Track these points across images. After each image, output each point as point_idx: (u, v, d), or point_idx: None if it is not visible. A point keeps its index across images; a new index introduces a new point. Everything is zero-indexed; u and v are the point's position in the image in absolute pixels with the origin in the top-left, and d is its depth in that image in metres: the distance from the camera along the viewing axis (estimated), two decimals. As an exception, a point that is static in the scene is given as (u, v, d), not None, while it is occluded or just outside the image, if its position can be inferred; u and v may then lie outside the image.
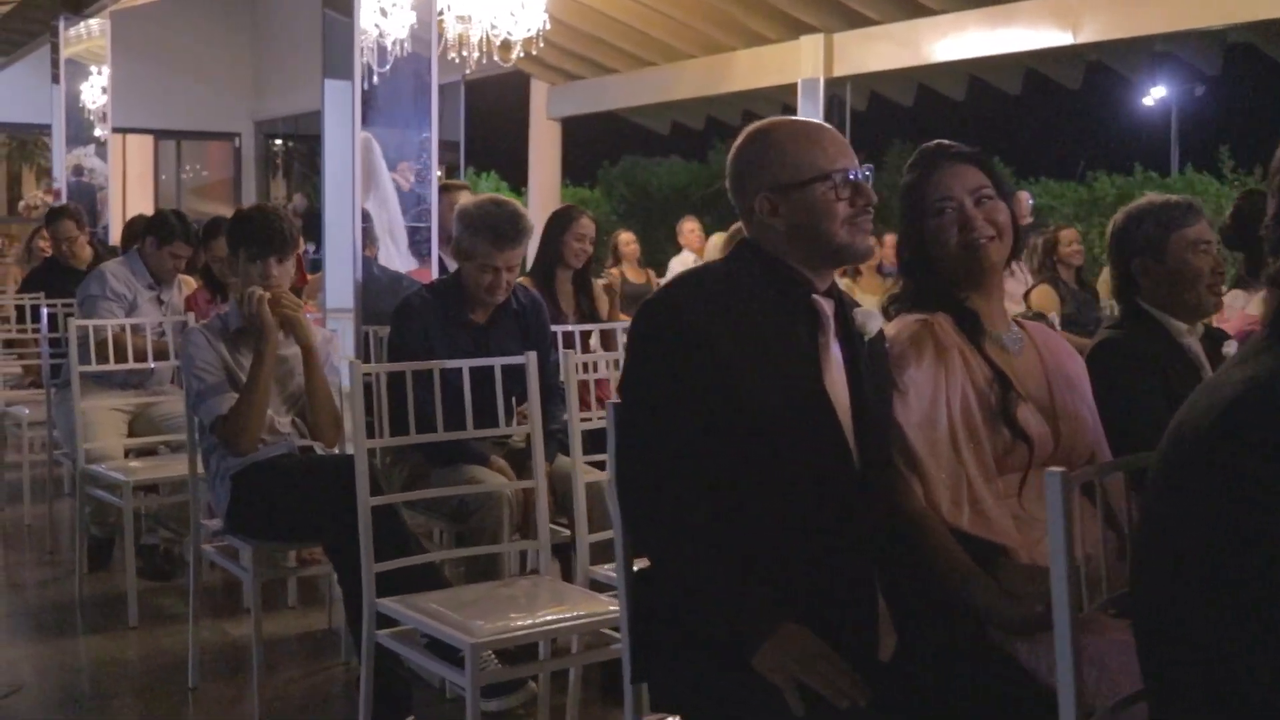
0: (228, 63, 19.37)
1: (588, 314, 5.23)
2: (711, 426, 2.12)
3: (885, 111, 12.30)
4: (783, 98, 12.95)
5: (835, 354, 2.25)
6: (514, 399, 3.64)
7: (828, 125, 2.32)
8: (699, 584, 2.08)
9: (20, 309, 7.01)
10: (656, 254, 12.30)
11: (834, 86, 10.62)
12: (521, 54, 9.85)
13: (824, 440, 2.17)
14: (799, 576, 2.10)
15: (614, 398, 2.20)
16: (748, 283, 2.24)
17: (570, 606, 2.90)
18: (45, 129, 19.48)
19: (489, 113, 15.92)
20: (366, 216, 4.86)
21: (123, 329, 5.04)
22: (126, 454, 5.07)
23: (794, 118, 2.35)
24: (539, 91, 13.60)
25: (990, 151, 2.71)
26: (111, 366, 4.96)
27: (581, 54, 12.52)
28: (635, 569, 2.22)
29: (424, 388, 3.43)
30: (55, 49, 10.15)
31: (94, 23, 10.71)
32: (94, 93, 12.40)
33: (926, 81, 11.54)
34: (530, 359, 3.33)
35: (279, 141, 20.47)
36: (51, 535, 5.74)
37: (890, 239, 10.43)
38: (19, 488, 6.52)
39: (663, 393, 2.13)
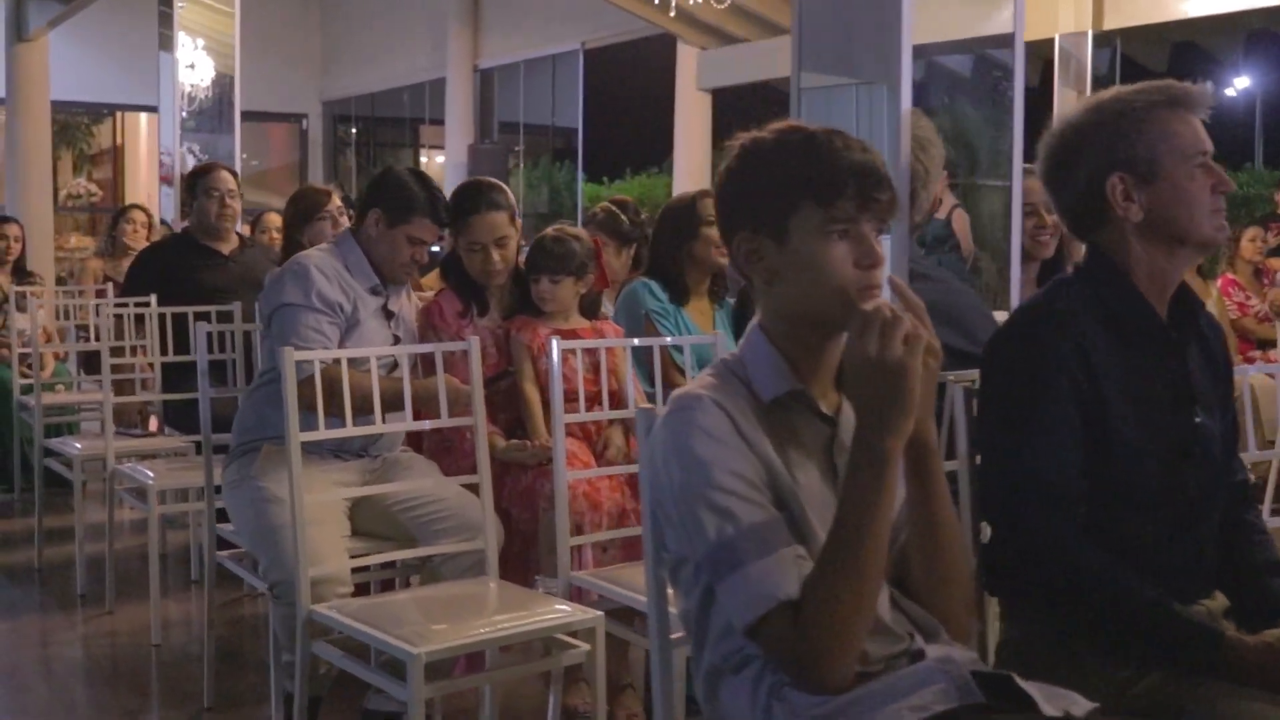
0: (293, 37, 17.38)
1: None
2: None
3: (1134, 78, 10.18)
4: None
5: None
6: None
7: None
8: None
9: (120, 319, 4.96)
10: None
11: (1098, 43, 8.55)
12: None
13: None
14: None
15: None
16: None
17: None
18: (82, 107, 17.68)
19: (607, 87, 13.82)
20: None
21: (355, 365, 2.98)
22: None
23: None
24: (687, 58, 11.55)
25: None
26: (350, 431, 2.91)
27: (744, 7, 10.48)
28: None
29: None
30: (167, 2, 8.13)
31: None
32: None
33: (1192, 38, 9.46)
34: None
35: (349, 124, 18.45)
36: (209, 673, 3.67)
37: None
38: (134, 566, 4.56)
39: None
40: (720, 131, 11.72)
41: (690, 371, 3.70)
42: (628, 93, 13.55)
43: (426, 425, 3.01)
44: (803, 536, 1.64)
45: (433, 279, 4.47)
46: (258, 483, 3.15)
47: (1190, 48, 9.58)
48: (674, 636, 1.93)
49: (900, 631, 1.68)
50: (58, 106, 11.60)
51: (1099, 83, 8.47)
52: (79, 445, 4.81)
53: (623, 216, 4.99)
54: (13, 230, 6.73)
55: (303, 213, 4.57)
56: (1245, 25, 9.04)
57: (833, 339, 1.73)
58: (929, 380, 1.62)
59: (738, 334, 4.12)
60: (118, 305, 4.99)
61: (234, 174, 5.21)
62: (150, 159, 19.72)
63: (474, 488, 3.03)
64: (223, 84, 9.09)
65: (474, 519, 3.11)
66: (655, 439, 1.69)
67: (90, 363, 6.81)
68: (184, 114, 8.81)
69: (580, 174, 13.55)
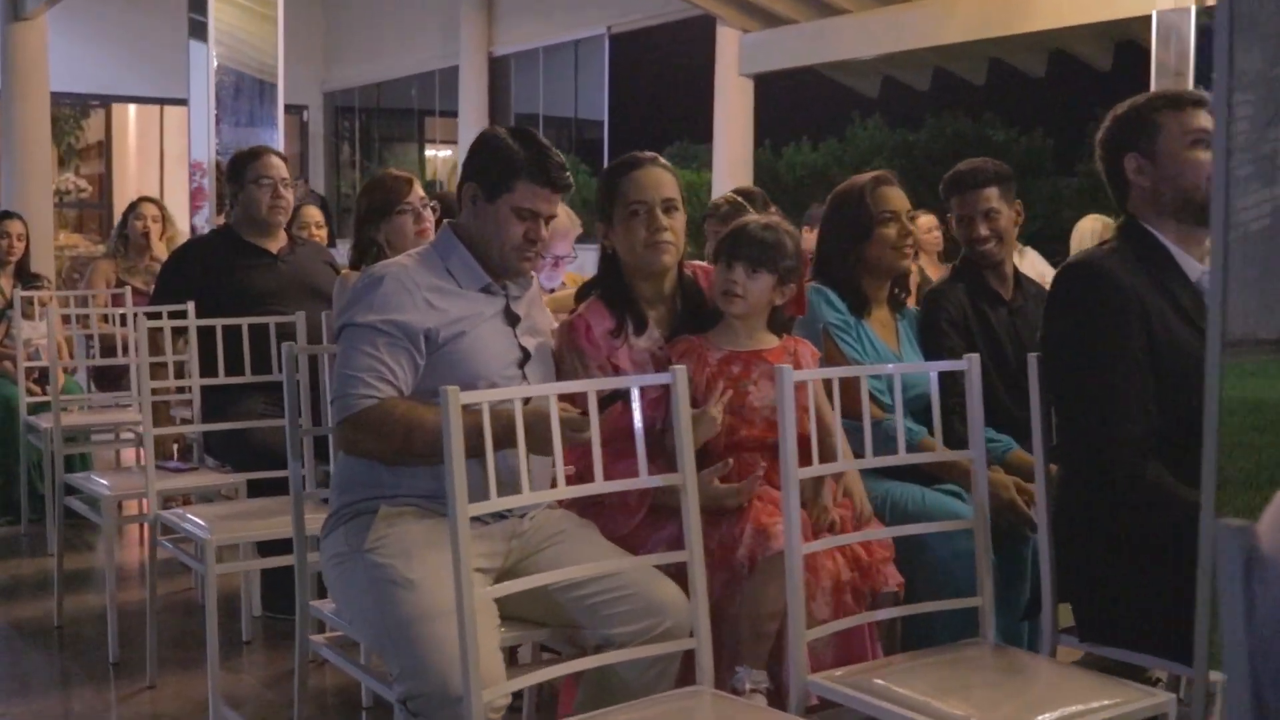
0: (293, 24, 16.52)
1: None
2: None
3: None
4: (1055, 43, 10.23)
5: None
6: None
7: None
8: None
9: (157, 335, 4.19)
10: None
11: (1200, 19, 7.83)
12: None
13: None
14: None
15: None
16: None
17: None
18: (81, 98, 16.80)
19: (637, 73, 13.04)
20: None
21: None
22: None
23: None
24: (728, 41, 10.79)
25: None
26: (538, 497, 2.17)
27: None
28: None
29: None
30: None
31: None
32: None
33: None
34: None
35: (352, 116, 17.62)
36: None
37: None
38: (172, 622, 3.85)
39: None
40: (763, 121, 10.99)
41: (884, 399, 2.98)
42: (659, 81, 12.79)
43: (618, 486, 2.26)
44: None
45: None
46: (374, 558, 2.40)
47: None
48: None
49: None
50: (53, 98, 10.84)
51: (1204, 66, 7.77)
52: (106, 482, 4.05)
53: (750, 209, 4.27)
54: (15, 227, 5.95)
55: (378, 206, 3.82)
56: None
57: None
58: None
59: (926, 350, 3.40)
60: (149, 314, 4.21)
61: (285, 159, 4.47)
62: (142, 153, 18.90)
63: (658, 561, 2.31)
64: (225, 75, 8.42)
65: (660, 599, 2.39)
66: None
67: (103, 377, 6.06)
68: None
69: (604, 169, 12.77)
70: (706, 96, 11.06)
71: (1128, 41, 9.22)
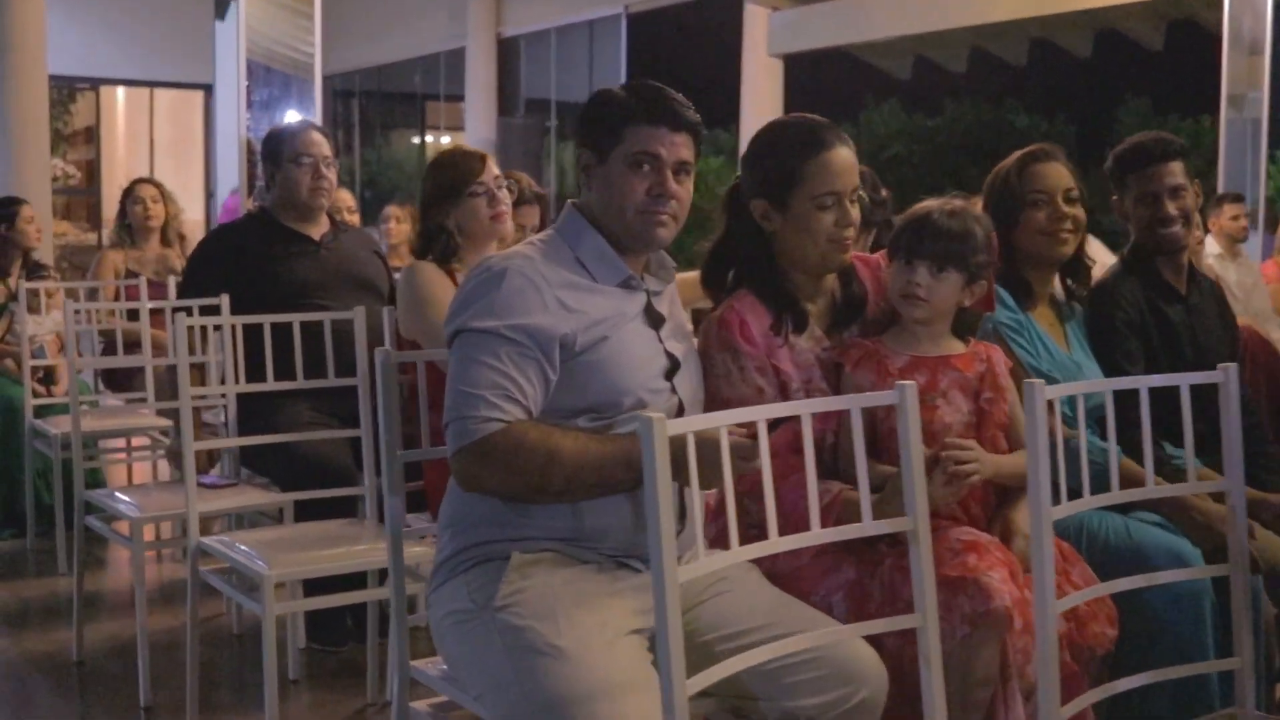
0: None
1: None
2: None
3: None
4: (1104, 22, 9.79)
5: None
6: None
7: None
8: None
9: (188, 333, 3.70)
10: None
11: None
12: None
13: None
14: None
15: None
16: None
17: None
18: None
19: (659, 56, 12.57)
20: None
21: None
22: None
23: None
24: (756, 20, 10.35)
25: None
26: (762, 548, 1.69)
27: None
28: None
29: None
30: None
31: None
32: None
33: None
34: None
35: (352, 100, 17.11)
36: None
37: None
38: (206, 655, 3.37)
39: None
40: (793, 104, 10.52)
41: (1065, 411, 2.53)
42: (680, 63, 12.31)
43: (837, 535, 1.79)
44: None
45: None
46: (509, 619, 1.93)
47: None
48: None
49: None
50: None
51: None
52: (133, 500, 3.56)
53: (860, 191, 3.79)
54: (30, 212, 5.43)
55: (447, 187, 3.33)
56: None
57: None
58: None
59: (1099, 355, 2.94)
60: (180, 309, 3.71)
61: (327, 135, 3.98)
62: (131, 138, 18.36)
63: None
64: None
65: (853, 663, 1.96)
66: None
67: (112, 376, 5.57)
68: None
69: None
70: (731, 79, 10.62)
71: (1182, 19, 8.79)
